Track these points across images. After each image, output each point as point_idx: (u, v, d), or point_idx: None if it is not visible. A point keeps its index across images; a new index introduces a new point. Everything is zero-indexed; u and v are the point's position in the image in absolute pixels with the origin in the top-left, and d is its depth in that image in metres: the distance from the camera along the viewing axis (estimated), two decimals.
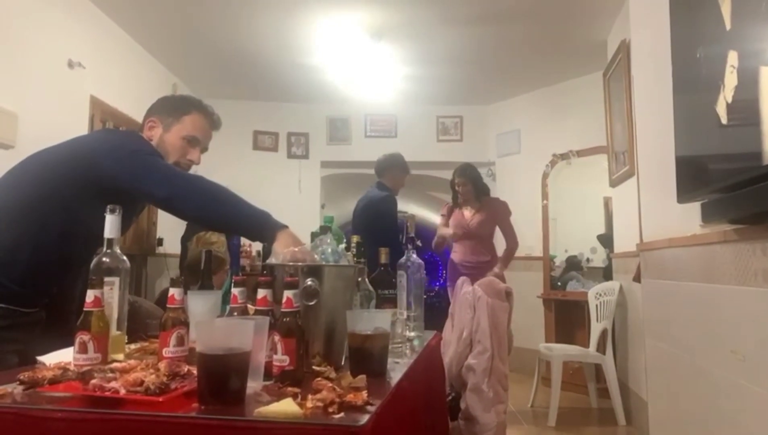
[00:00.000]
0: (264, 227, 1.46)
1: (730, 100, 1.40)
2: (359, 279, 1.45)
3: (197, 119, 1.69)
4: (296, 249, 1.33)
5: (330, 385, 0.98)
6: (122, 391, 0.92)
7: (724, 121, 1.46)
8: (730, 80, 1.39)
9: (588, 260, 5.10)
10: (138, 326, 1.54)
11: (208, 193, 1.48)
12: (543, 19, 4.12)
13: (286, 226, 1.47)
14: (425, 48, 4.68)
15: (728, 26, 1.41)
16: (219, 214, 1.48)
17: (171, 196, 1.47)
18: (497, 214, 4.03)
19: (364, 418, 0.86)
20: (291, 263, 1.28)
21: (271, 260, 1.37)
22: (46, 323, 1.56)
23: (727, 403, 1.62)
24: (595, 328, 3.97)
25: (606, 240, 4.62)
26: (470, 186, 4.01)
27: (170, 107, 1.68)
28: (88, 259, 1.33)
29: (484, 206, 4.03)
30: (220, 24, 4.30)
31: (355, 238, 1.59)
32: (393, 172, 4.06)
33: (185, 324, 1.19)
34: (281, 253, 1.35)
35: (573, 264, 5.07)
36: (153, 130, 1.65)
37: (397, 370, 1.28)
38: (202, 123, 1.70)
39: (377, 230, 3.53)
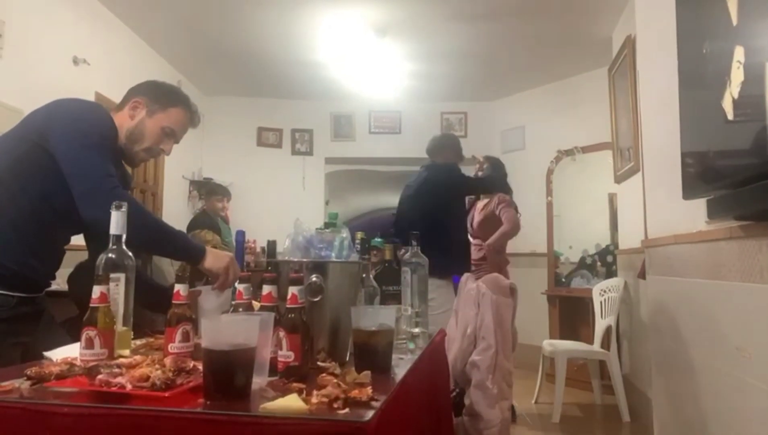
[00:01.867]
0: (191, 248, 1.52)
1: (736, 95, 1.40)
2: (364, 275, 1.45)
3: (181, 114, 1.70)
4: (227, 262, 1.47)
5: (335, 380, 0.99)
6: (128, 387, 0.93)
7: (730, 117, 1.45)
8: (737, 76, 1.38)
9: (592, 257, 5.08)
10: (143, 322, 1.55)
11: (139, 215, 1.43)
12: (548, 15, 4.10)
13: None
14: (430, 44, 4.66)
15: (735, 21, 1.40)
16: (149, 236, 1.48)
17: (100, 218, 1.36)
18: (494, 207, 3.88)
19: (369, 414, 0.86)
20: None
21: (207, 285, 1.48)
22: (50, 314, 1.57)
23: (732, 400, 1.62)
24: (600, 325, 3.96)
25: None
26: (489, 170, 3.73)
27: (159, 94, 1.68)
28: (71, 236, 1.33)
29: (490, 203, 3.98)
30: (225, 21, 4.30)
31: (359, 235, 1.59)
32: (447, 154, 3.65)
33: (191, 320, 1.20)
34: (220, 268, 1.48)
35: (584, 264, 5.04)
36: (136, 110, 1.64)
37: (401, 366, 1.28)
38: (184, 119, 1.71)
39: (456, 197, 3.47)
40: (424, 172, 3.57)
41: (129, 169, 1.78)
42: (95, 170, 1.43)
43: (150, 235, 1.47)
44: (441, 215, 3.34)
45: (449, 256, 3.21)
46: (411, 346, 1.53)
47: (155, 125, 1.65)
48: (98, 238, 1.37)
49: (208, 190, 5.13)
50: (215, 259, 1.51)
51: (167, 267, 4.35)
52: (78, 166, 1.43)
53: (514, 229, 3.80)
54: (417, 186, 3.53)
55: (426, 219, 3.23)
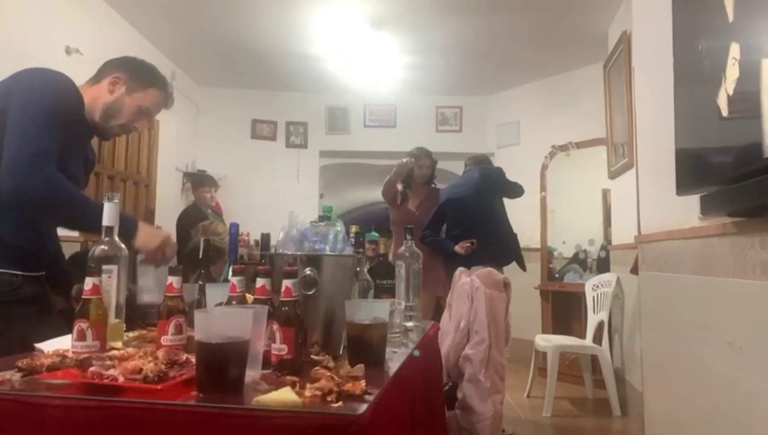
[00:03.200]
0: (122, 223, 1.45)
1: (731, 92, 1.40)
2: (358, 269, 1.45)
3: (158, 95, 1.71)
4: (160, 240, 1.45)
5: (328, 374, 0.99)
6: (121, 379, 0.93)
7: (724, 113, 1.45)
8: (732, 72, 1.38)
9: (586, 252, 5.11)
10: (136, 314, 1.54)
11: (64, 190, 1.44)
12: (544, 9, 4.10)
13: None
14: (426, 37, 4.65)
15: (731, 18, 1.40)
16: (74, 211, 1.48)
17: (12, 193, 1.39)
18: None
19: (363, 407, 0.86)
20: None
21: (142, 256, 1.46)
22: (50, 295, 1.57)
23: (723, 394, 1.63)
24: (592, 320, 3.99)
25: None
26: (431, 170, 4.06)
27: (139, 73, 1.68)
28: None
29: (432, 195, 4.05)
30: (220, 12, 4.27)
31: (353, 228, 1.59)
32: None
33: (183, 312, 1.19)
34: (152, 247, 1.48)
35: (577, 258, 5.07)
36: (116, 86, 1.64)
37: (395, 359, 1.29)
38: (161, 100, 1.73)
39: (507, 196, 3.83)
40: (477, 171, 3.86)
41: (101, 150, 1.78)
42: (26, 145, 1.40)
43: (75, 210, 1.47)
44: (500, 209, 3.80)
45: (508, 245, 3.74)
46: (415, 353, 1.52)
47: (133, 103, 1.66)
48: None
49: (194, 182, 5.09)
50: (147, 237, 1.51)
51: None
52: (12, 137, 1.40)
53: None
54: (477, 183, 3.79)
55: (488, 213, 3.71)
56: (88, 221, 1.46)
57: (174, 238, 1.53)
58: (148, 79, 1.69)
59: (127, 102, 1.65)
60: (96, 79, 1.66)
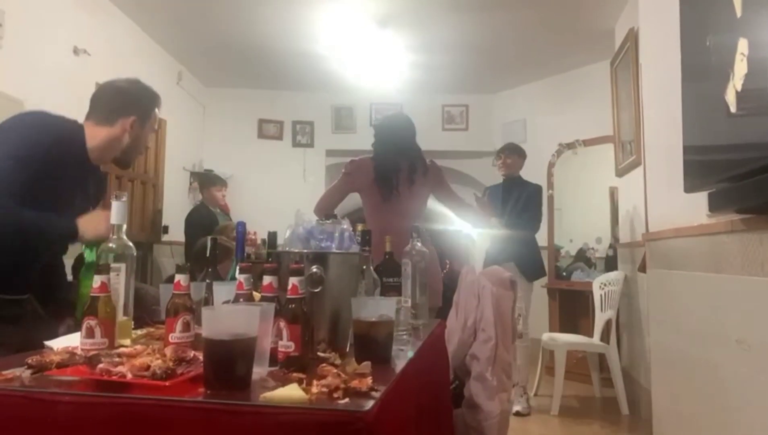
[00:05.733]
0: (64, 232, 1.55)
1: (739, 88, 1.39)
2: (364, 267, 1.45)
3: (158, 108, 1.81)
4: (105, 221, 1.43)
5: (335, 371, 0.99)
6: (129, 376, 0.93)
7: (733, 109, 1.44)
8: (740, 68, 1.37)
9: (593, 250, 5.09)
10: (144, 312, 1.55)
11: (12, 216, 1.47)
12: (550, 6, 4.09)
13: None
14: (431, 35, 4.65)
15: (739, 13, 1.39)
16: (21, 233, 1.50)
17: None
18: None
19: (369, 404, 0.86)
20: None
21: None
22: (36, 317, 1.58)
23: (732, 392, 1.62)
24: (600, 318, 3.97)
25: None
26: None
27: (147, 106, 1.76)
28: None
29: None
30: (226, 12, 4.28)
31: (360, 226, 1.59)
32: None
33: (191, 310, 1.20)
34: (100, 231, 1.47)
35: (582, 256, 5.05)
36: (132, 129, 1.71)
37: (401, 357, 1.28)
38: (159, 110, 1.82)
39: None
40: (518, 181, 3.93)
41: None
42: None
43: (23, 232, 1.50)
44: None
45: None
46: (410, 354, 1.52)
47: (149, 131, 1.79)
48: None
49: (203, 181, 5.09)
50: (89, 225, 1.52)
51: (166, 259, 4.35)
52: None
53: None
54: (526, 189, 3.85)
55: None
56: (47, 240, 1.56)
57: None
58: (151, 104, 1.78)
59: (143, 134, 1.76)
60: (108, 120, 1.68)
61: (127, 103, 1.72)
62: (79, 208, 1.60)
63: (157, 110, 1.79)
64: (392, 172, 2.69)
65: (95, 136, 1.65)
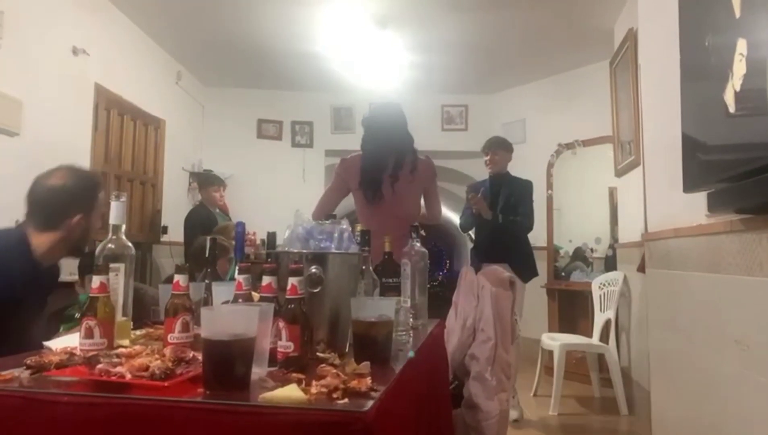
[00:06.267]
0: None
1: (738, 88, 1.39)
2: (363, 267, 1.45)
3: (103, 192, 1.79)
4: None
5: (334, 371, 0.99)
6: (128, 376, 0.93)
7: (732, 110, 1.44)
8: (739, 69, 1.38)
9: (592, 250, 5.09)
10: (143, 313, 1.55)
11: None
12: (549, 7, 4.09)
13: None
14: (430, 36, 4.65)
15: (738, 14, 1.40)
16: None
17: None
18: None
19: (368, 404, 0.86)
20: None
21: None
22: None
23: (731, 393, 1.62)
24: (599, 318, 3.97)
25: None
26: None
27: (86, 197, 1.71)
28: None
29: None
30: (225, 12, 4.28)
31: (359, 227, 1.59)
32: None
33: (190, 310, 1.20)
34: None
35: (579, 255, 5.06)
36: (79, 225, 1.68)
37: (400, 357, 1.28)
38: (103, 192, 1.80)
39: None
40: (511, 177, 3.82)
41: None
42: None
43: None
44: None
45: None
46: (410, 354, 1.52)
47: (97, 218, 1.73)
48: None
49: (202, 181, 5.09)
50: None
51: (165, 259, 4.34)
52: None
53: None
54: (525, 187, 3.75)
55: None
56: None
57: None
58: (93, 193, 1.72)
59: (93, 223, 1.71)
60: (51, 226, 1.64)
61: (66, 204, 1.65)
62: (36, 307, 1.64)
63: (101, 194, 1.72)
64: (378, 173, 2.62)
65: (41, 244, 1.62)
